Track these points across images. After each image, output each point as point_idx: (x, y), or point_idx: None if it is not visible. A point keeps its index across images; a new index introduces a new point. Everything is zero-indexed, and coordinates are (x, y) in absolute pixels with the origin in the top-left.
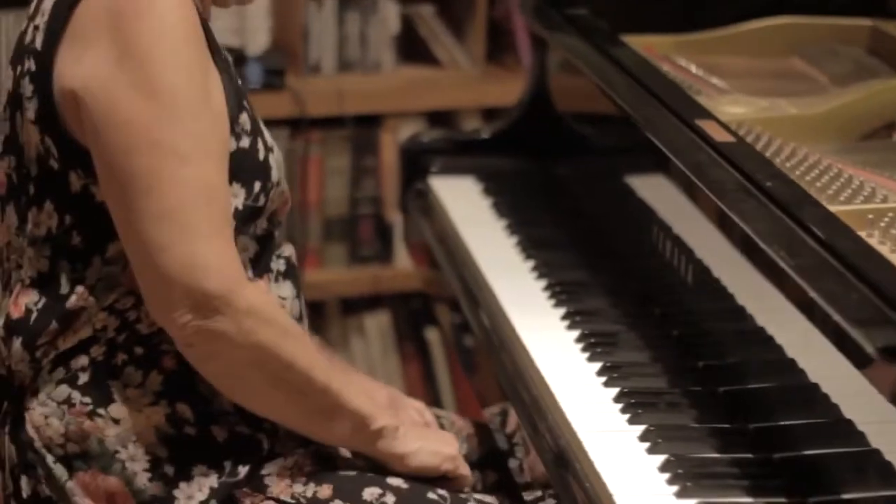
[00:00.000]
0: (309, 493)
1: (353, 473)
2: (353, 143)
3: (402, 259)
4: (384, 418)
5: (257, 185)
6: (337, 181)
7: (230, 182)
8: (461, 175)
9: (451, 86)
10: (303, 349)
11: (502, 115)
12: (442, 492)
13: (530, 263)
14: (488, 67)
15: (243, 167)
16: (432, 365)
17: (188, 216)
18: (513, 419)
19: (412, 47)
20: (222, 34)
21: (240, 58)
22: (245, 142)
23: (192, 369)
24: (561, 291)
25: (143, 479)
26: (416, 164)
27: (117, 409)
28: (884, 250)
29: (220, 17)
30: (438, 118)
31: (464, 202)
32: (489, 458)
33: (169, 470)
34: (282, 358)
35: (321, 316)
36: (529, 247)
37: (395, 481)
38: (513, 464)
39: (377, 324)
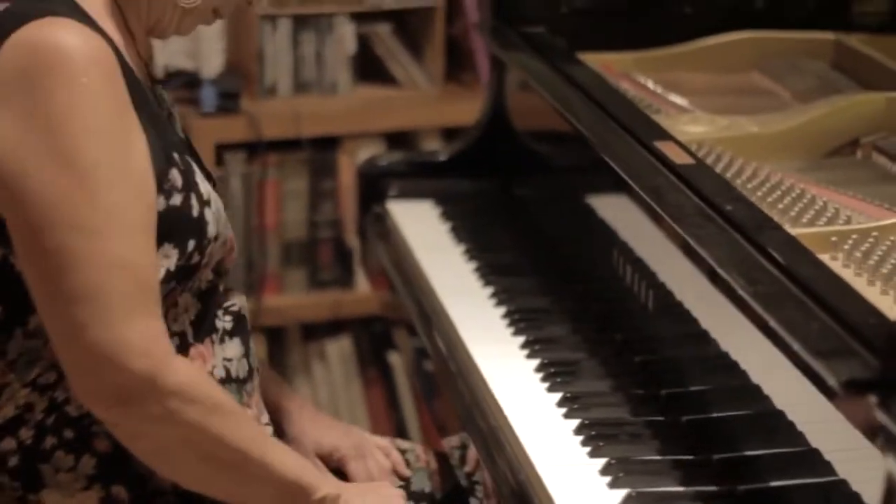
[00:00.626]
0: None
1: None
2: (310, 165)
3: (363, 283)
4: (325, 486)
5: (191, 244)
6: (295, 205)
7: (162, 243)
8: (419, 199)
9: (409, 106)
10: (234, 424)
11: (461, 136)
12: None
13: (489, 290)
14: (447, 86)
15: (175, 226)
16: (396, 390)
17: (106, 296)
18: (472, 455)
19: (369, 67)
20: (176, 57)
21: (194, 81)
22: (176, 199)
23: (127, 450)
24: (520, 319)
25: None
26: (373, 187)
27: (48, 494)
28: (847, 273)
29: (173, 41)
30: (397, 139)
31: (422, 227)
32: (455, 495)
33: None
34: (211, 435)
35: (281, 342)
36: (488, 273)
37: None
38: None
39: (339, 349)
